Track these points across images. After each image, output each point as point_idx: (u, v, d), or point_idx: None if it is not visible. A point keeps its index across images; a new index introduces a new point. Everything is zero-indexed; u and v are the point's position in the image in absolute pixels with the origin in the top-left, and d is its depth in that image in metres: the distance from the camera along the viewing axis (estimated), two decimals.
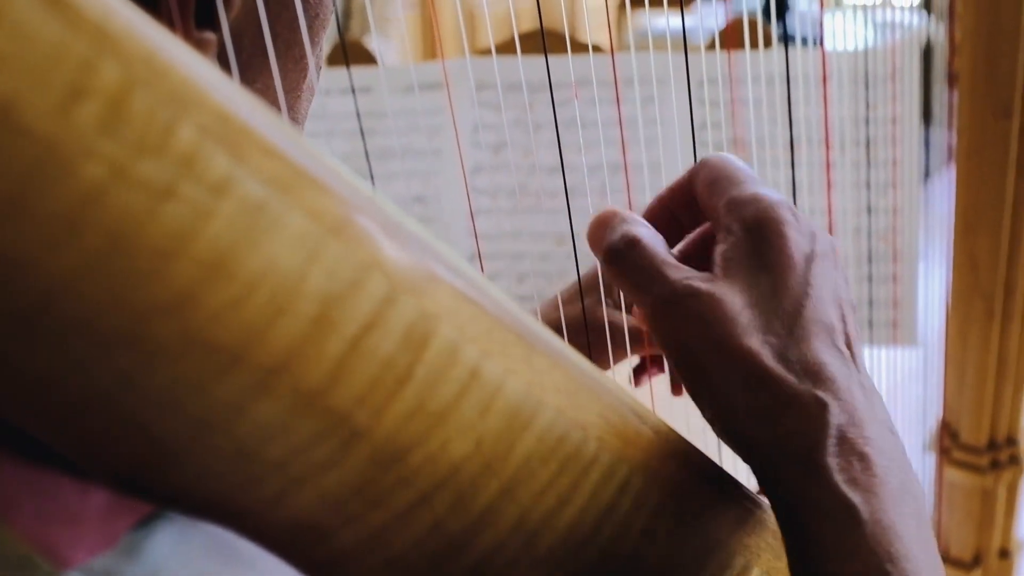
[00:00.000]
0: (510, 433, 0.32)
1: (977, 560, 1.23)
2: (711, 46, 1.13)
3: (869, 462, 0.36)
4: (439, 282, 0.30)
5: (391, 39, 2.04)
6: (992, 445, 1.21)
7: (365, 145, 1.20)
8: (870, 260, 1.12)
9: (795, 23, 1.23)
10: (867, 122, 1.07)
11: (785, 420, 0.36)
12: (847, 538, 0.35)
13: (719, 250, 0.40)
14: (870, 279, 1.13)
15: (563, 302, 0.60)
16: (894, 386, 1.16)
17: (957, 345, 1.17)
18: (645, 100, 1.12)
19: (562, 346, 0.35)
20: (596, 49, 1.09)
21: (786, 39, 1.01)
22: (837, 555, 0.35)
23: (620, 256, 0.40)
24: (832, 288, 0.39)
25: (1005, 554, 1.23)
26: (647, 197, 1.12)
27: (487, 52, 1.28)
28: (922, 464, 1.29)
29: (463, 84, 1.17)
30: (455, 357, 0.30)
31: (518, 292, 1.17)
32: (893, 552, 0.34)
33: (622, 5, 2.53)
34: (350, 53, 1.23)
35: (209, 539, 0.29)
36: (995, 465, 1.20)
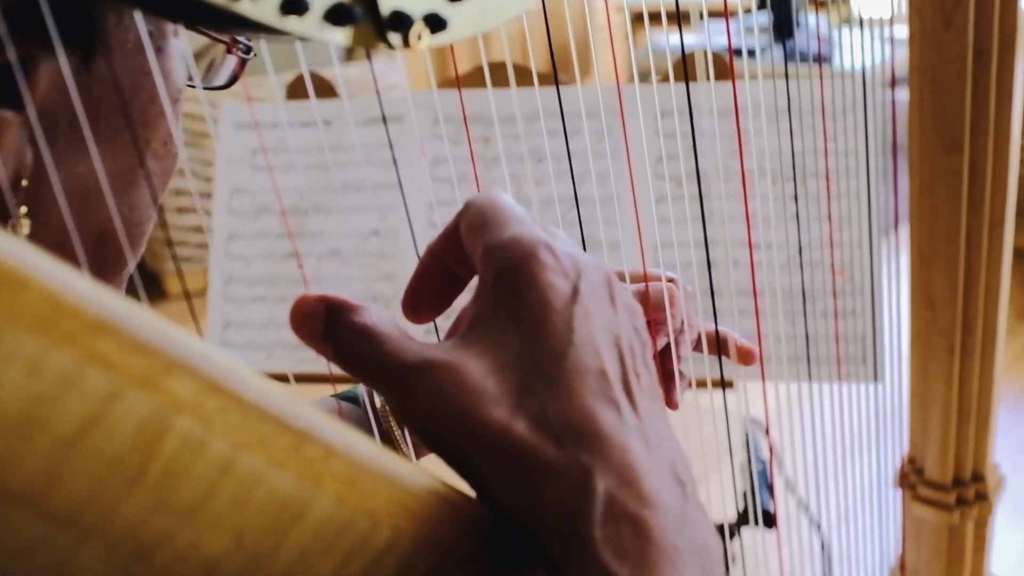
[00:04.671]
0: (278, 527, 0.30)
1: None
2: (665, 78, 1.13)
3: (643, 526, 0.33)
4: (180, 374, 0.28)
5: (395, 61, 2.05)
6: (958, 482, 1.19)
7: (328, 176, 1.20)
8: (806, 296, 1.11)
9: (804, 42, 1.20)
10: (805, 153, 1.07)
11: (546, 491, 0.33)
12: None
13: (471, 309, 0.37)
14: (825, 314, 1.12)
15: None
16: (855, 420, 1.15)
17: (920, 381, 1.15)
18: (601, 133, 1.12)
19: (343, 431, 0.33)
20: (561, 81, 1.08)
21: (785, 59, 0.99)
22: None
23: (339, 347, 0.36)
24: (605, 328, 0.36)
25: None
26: (600, 230, 1.11)
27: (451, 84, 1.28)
28: (887, 499, 1.27)
29: (422, 117, 1.17)
30: (200, 452, 0.28)
31: None
32: None
33: (633, 25, 2.54)
34: (307, 85, 1.23)
35: None
36: (961, 502, 1.18)
